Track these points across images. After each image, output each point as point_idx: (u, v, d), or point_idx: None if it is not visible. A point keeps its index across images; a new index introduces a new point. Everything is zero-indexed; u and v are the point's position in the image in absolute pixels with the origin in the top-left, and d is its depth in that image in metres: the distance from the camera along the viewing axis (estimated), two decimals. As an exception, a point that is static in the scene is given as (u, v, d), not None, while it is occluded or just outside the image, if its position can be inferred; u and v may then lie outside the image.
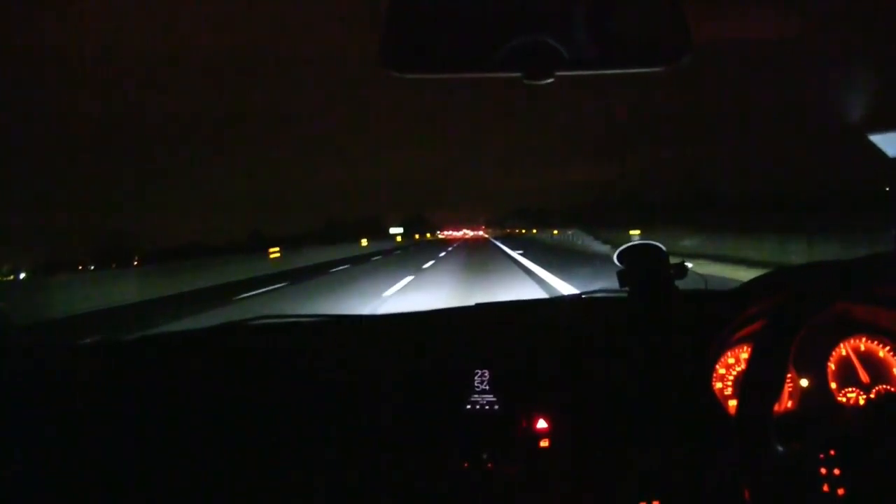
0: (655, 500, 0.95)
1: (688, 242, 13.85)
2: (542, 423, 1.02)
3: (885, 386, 1.03)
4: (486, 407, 1.06)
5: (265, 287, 11.89)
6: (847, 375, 1.04)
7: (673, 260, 1.18)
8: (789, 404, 1.04)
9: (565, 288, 8.64)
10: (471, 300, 1.41)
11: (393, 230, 66.12)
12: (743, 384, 0.82)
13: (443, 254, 23.25)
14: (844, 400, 1.04)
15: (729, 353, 1.08)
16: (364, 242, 37.84)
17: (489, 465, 0.99)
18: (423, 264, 16.20)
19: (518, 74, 0.69)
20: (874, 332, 1.05)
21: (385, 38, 0.69)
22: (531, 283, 9.69)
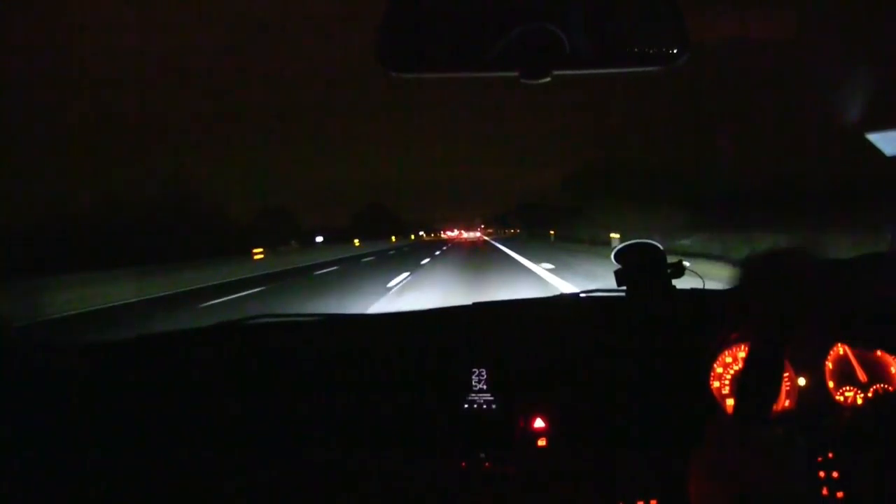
0: (653, 499, 0.95)
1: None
2: (539, 423, 1.02)
3: (882, 385, 1.03)
4: (484, 406, 1.06)
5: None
6: (845, 374, 1.05)
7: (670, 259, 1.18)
8: (787, 403, 1.04)
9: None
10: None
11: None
12: (740, 383, 0.82)
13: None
14: (842, 399, 1.04)
15: (726, 352, 1.08)
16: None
17: (487, 464, 1.00)
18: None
19: (515, 73, 0.69)
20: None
21: (382, 38, 0.69)
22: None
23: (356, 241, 35.42)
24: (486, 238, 61.28)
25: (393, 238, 50.37)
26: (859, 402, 1.03)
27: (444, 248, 28.85)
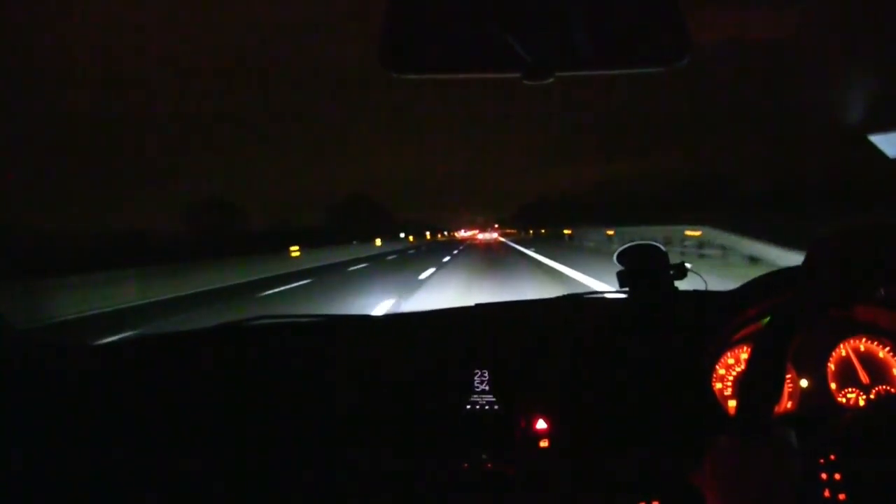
0: (655, 500, 0.95)
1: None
2: (541, 424, 1.02)
3: (885, 387, 1.03)
4: (486, 407, 1.06)
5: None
6: (847, 376, 1.04)
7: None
8: (789, 405, 1.04)
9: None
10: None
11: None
12: (742, 385, 0.82)
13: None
14: (844, 400, 1.04)
15: (728, 354, 1.08)
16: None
17: (488, 465, 0.99)
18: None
19: (517, 75, 0.69)
20: (874, 333, 1.05)
21: (384, 39, 0.69)
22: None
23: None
24: (502, 239, 50.22)
25: (294, 250, 21.24)
26: (862, 403, 1.03)
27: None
